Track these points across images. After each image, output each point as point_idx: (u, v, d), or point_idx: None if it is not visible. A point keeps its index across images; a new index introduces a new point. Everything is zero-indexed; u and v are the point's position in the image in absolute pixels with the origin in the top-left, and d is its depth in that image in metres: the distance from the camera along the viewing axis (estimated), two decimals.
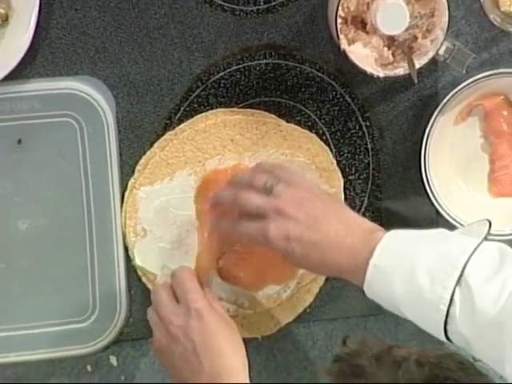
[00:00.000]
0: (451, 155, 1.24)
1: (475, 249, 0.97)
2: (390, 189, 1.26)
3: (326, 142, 1.22)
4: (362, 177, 1.24)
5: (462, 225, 1.20)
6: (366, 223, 1.06)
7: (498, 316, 0.93)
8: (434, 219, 1.25)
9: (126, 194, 1.19)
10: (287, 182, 1.07)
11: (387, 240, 1.02)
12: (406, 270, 0.98)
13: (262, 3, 1.18)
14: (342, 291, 1.24)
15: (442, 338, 0.98)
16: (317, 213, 1.05)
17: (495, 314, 0.93)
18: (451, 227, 1.19)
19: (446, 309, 0.95)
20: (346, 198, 1.22)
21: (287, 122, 1.20)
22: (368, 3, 1.11)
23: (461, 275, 0.95)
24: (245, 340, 1.18)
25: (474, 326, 0.95)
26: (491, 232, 1.18)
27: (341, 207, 1.09)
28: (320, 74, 1.21)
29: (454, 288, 0.95)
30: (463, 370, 0.85)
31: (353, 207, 1.23)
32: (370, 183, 1.24)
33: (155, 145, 1.19)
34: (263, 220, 1.06)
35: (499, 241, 1.21)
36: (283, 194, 1.06)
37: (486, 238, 0.99)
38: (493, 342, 0.93)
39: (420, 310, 0.99)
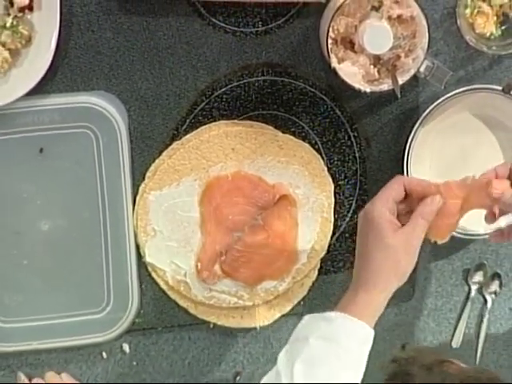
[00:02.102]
0: (431, 163, 1.25)
1: None
2: (376, 193, 1.19)
3: (318, 150, 1.23)
4: (350, 182, 1.25)
5: None
6: None
7: None
8: None
9: (138, 197, 1.21)
10: None
11: None
12: None
13: (260, 26, 1.19)
14: (332, 286, 1.25)
15: None
16: None
17: None
18: None
19: None
20: (336, 202, 1.24)
21: (283, 132, 1.22)
22: (356, 25, 1.13)
23: None
24: (244, 330, 1.23)
25: None
26: (467, 232, 1.22)
27: None
28: (312, 90, 1.22)
29: None
30: None
31: (342, 210, 1.25)
32: (357, 188, 1.25)
33: (164, 153, 1.20)
34: None
35: (475, 241, 1.24)
36: None
37: None
38: None
39: None
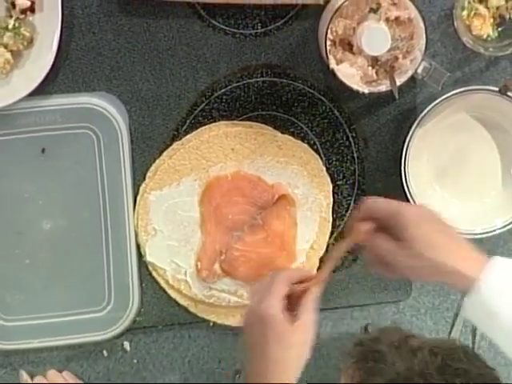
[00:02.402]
0: (428, 163, 1.25)
1: None
2: (374, 193, 1.21)
3: (316, 151, 1.24)
4: (348, 182, 1.26)
5: None
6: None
7: None
8: None
9: (138, 197, 1.21)
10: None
11: (498, 260, 1.00)
12: None
13: (259, 27, 1.20)
14: (331, 284, 1.24)
15: None
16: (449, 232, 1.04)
17: None
18: None
19: None
20: (334, 202, 1.24)
21: (282, 133, 1.23)
22: (354, 27, 1.13)
23: None
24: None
25: None
26: (464, 231, 1.22)
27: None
28: (311, 91, 1.22)
29: None
30: (472, 363, 0.85)
31: (340, 210, 1.25)
32: (355, 188, 1.26)
33: (164, 153, 1.21)
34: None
35: (471, 240, 1.23)
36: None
37: None
38: None
39: None
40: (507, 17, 1.21)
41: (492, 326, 0.97)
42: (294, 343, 0.98)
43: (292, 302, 1.01)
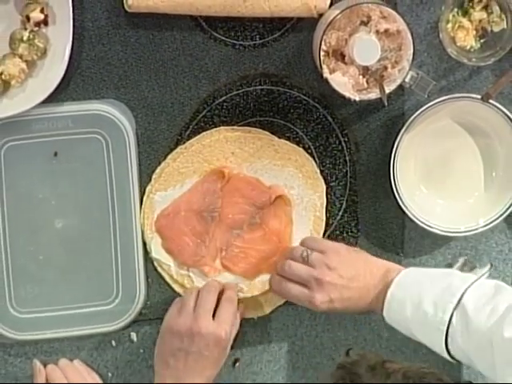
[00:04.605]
0: (415, 166, 1.26)
1: (473, 282, 1.06)
2: (365, 194, 1.27)
3: (311, 154, 1.25)
4: (341, 184, 1.26)
5: (423, 223, 1.23)
6: (384, 264, 1.14)
7: (487, 335, 1.01)
8: (401, 219, 1.26)
9: (144, 197, 1.22)
10: (319, 250, 1.15)
11: (402, 275, 1.10)
12: (415, 299, 1.07)
13: (257, 39, 1.21)
14: None
15: (446, 356, 1.06)
16: (348, 271, 1.13)
17: (485, 334, 1.01)
18: (415, 226, 1.24)
19: (445, 329, 1.03)
20: (327, 202, 1.25)
21: (279, 137, 1.23)
22: (346, 39, 1.14)
23: (459, 302, 1.04)
24: (243, 320, 1.24)
25: (470, 343, 1.03)
26: (449, 230, 1.24)
27: (364, 256, 1.17)
28: (306, 98, 1.23)
29: (452, 312, 1.04)
30: None
31: (333, 209, 1.26)
32: (347, 189, 1.27)
33: (168, 157, 1.22)
34: (308, 288, 1.13)
35: (455, 237, 1.25)
36: (317, 262, 1.14)
37: (485, 277, 1.10)
38: (485, 354, 1.01)
39: (426, 332, 1.06)
40: (489, 29, 1.20)
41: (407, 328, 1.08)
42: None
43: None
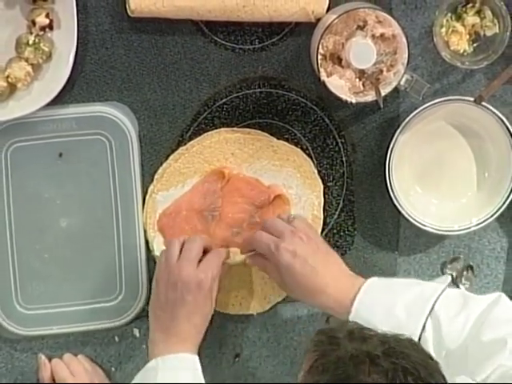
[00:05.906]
0: (410, 166, 1.26)
1: (443, 291, 1.07)
2: (361, 193, 1.27)
3: (308, 155, 1.25)
4: (338, 184, 1.27)
5: (418, 222, 1.23)
6: (351, 274, 1.14)
7: (463, 342, 1.02)
8: (397, 218, 1.27)
9: (147, 197, 1.22)
10: (302, 221, 1.16)
11: (371, 282, 1.10)
12: (387, 305, 1.07)
13: (257, 43, 1.21)
14: None
15: None
16: (322, 248, 1.13)
17: (461, 341, 1.03)
18: (410, 225, 1.24)
19: (418, 334, 1.04)
20: (325, 201, 1.25)
21: (277, 139, 1.23)
22: (343, 43, 1.15)
23: (431, 309, 1.05)
24: (243, 316, 1.25)
25: (441, 349, 1.04)
26: (442, 228, 1.24)
27: (336, 259, 1.15)
28: (304, 101, 1.24)
29: (426, 319, 1.05)
30: (417, 351, 0.87)
31: (330, 208, 1.27)
32: (344, 189, 1.27)
33: (170, 157, 1.22)
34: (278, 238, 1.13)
35: (449, 236, 1.26)
36: (300, 225, 1.14)
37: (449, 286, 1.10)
38: (459, 359, 1.02)
39: None
40: (482, 34, 1.21)
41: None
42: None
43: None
